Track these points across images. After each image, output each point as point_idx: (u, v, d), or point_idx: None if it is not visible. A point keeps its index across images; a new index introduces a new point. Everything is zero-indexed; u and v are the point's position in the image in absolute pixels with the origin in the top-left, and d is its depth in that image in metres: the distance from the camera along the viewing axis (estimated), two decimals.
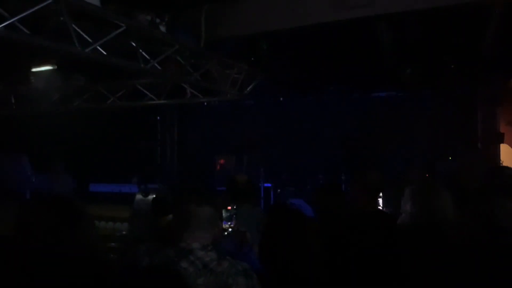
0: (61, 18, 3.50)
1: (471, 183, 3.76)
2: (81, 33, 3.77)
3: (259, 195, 8.97)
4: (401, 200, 2.68)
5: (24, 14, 3.14)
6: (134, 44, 4.33)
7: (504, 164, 7.09)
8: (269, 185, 9.22)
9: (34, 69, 6.11)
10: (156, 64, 4.68)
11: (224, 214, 2.86)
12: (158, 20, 4.48)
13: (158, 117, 10.70)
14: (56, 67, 5.93)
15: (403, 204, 2.64)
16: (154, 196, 5.02)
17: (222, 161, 9.75)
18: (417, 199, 2.59)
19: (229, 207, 2.95)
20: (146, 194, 5.21)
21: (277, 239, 2.24)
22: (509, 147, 7.64)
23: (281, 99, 9.60)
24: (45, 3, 3.19)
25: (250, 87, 6.39)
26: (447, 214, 2.47)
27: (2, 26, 3.03)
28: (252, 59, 5.87)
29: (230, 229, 2.89)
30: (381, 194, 4.86)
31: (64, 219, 1.74)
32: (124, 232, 5.24)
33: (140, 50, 4.45)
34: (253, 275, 2.07)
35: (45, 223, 1.70)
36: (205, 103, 9.32)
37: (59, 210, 1.76)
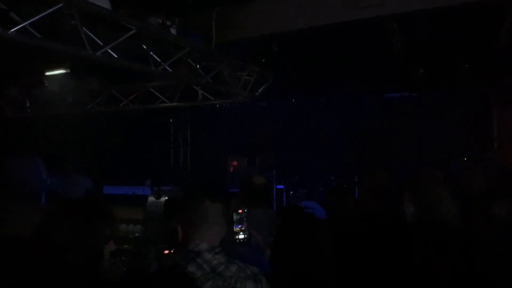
0: (72, 22, 3.53)
1: (480, 185, 3.70)
2: (93, 36, 3.80)
3: (273, 197, 8.96)
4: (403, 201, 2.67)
5: (36, 18, 3.18)
6: (145, 46, 4.35)
7: None
8: (281, 187, 9.19)
9: (47, 73, 6.18)
10: (167, 67, 4.69)
11: (234, 217, 2.85)
12: (169, 23, 4.50)
13: (171, 119, 10.76)
14: (69, 70, 5.99)
15: (405, 206, 2.62)
16: (166, 198, 5.04)
17: (235, 163, 9.74)
18: (417, 199, 2.57)
19: (240, 210, 2.93)
20: (158, 196, 5.23)
21: (289, 242, 2.23)
22: None
23: (293, 100, 9.58)
24: (56, 7, 3.22)
25: (261, 89, 6.38)
26: (448, 212, 2.45)
27: (14, 30, 3.07)
28: (263, 60, 5.86)
29: (241, 233, 2.88)
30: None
31: (88, 219, 1.73)
32: (137, 234, 5.26)
33: (151, 53, 4.47)
34: (263, 279, 2.05)
35: (67, 226, 1.71)
36: (217, 105, 9.34)
37: (83, 211, 1.76)
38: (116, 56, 4.05)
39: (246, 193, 3.73)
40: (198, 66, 5.14)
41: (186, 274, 1.93)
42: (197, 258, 2.03)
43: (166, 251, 2.55)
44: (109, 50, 3.93)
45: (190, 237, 2.12)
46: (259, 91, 6.41)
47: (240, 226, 2.90)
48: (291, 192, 9.21)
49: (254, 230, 3.04)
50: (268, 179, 4.02)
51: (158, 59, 4.62)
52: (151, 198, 5.33)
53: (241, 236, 2.89)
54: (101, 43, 3.88)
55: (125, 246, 4.84)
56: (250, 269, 2.06)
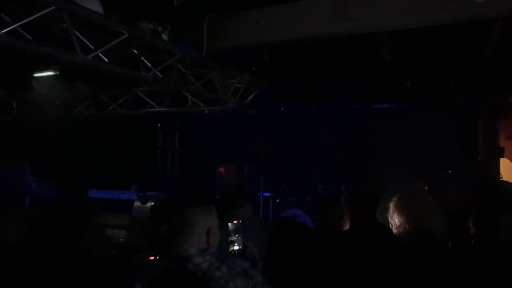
0: (64, 25, 3.52)
1: (460, 198, 3.76)
2: (84, 40, 3.79)
3: (254, 201, 8.88)
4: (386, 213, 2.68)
5: (26, 20, 3.16)
6: (136, 52, 4.34)
7: (504, 178, 7.07)
8: (268, 194, 9.19)
9: (36, 75, 6.11)
10: (157, 73, 4.68)
11: (231, 227, 2.94)
12: (160, 29, 4.50)
13: (159, 125, 10.72)
14: (58, 72, 5.94)
15: (389, 217, 2.63)
16: (152, 204, 5.02)
17: (222, 170, 9.72)
18: (403, 211, 2.59)
19: (235, 221, 2.99)
20: (144, 202, 5.21)
21: (282, 253, 2.22)
22: (510, 162, 7.62)
23: (282, 109, 9.62)
24: (47, 10, 3.21)
25: (251, 96, 6.39)
26: (434, 224, 2.47)
27: (4, 32, 3.04)
28: (254, 69, 5.88)
29: (236, 244, 2.93)
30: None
31: (72, 227, 1.72)
32: (121, 240, 5.22)
33: (142, 58, 4.46)
34: (254, 272, 2.05)
35: (53, 233, 1.69)
36: (207, 112, 9.33)
37: (67, 219, 1.75)
38: (107, 60, 4.03)
39: (226, 205, 3.73)
40: (188, 72, 5.13)
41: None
42: (187, 263, 2.03)
43: (152, 258, 2.55)
44: (100, 54, 3.91)
45: (179, 243, 2.17)
46: (249, 98, 6.41)
47: (237, 235, 2.94)
48: (278, 200, 9.21)
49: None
50: (250, 187, 4.00)
51: (149, 65, 4.61)
52: (137, 203, 5.30)
53: (236, 248, 2.92)
54: (92, 47, 3.86)
55: (111, 251, 4.79)
56: (240, 265, 2.06)
